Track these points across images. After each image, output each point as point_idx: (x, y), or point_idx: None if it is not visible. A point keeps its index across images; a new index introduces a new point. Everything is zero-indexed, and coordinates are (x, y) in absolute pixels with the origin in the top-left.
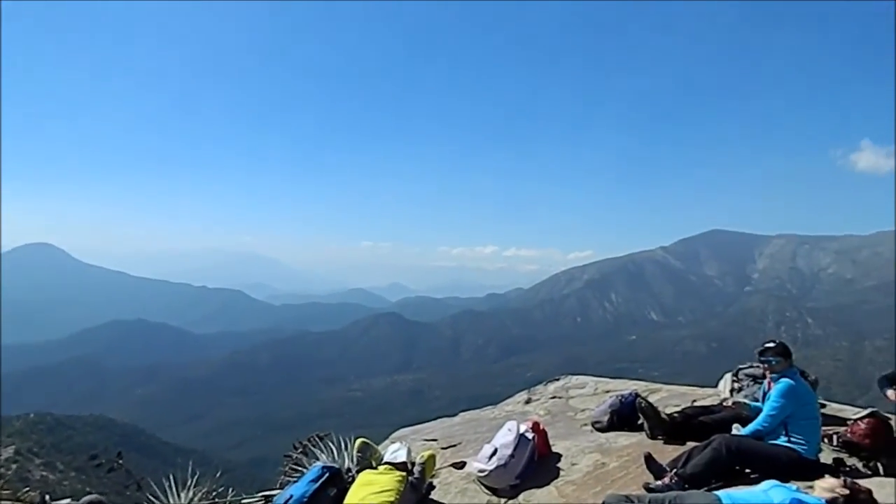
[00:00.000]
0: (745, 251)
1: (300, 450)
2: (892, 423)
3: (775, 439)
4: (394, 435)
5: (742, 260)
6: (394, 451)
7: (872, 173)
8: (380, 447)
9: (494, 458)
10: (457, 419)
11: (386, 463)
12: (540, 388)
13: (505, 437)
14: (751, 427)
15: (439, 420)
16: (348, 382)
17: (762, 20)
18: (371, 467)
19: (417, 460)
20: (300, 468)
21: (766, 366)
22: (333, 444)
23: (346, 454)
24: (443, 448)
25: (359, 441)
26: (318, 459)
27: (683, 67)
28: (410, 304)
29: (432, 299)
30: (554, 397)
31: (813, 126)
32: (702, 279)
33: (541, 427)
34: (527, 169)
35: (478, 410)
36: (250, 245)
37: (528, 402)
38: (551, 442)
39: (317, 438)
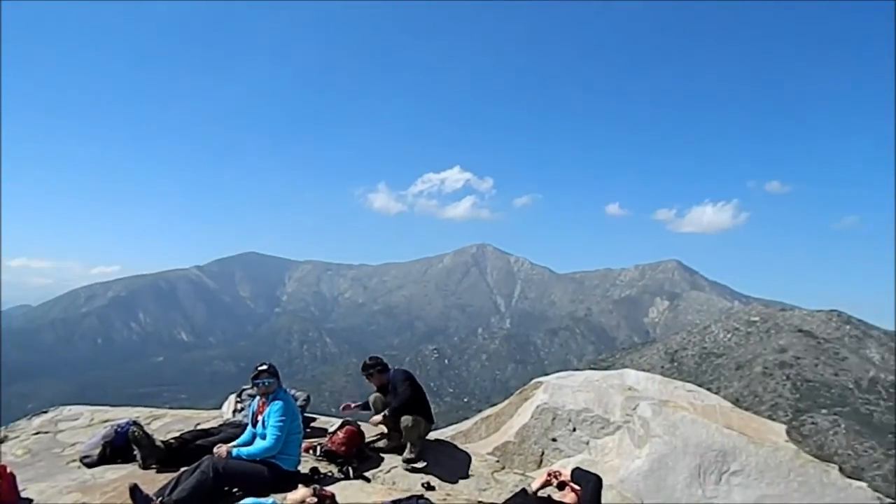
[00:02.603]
0: (277, 274)
1: None
2: (364, 429)
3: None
4: None
5: (273, 282)
6: None
7: (385, 212)
8: None
9: None
10: None
11: None
12: (22, 423)
13: None
14: (261, 447)
15: None
16: None
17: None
18: None
19: None
20: None
21: (259, 387)
22: None
23: None
24: None
25: None
26: None
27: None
28: None
29: None
30: (38, 433)
31: (340, 166)
32: (235, 300)
33: (8, 471)
34: (45, 162)
35: None
36: None
37: (2, 441)
38: (23, 486)
39: None
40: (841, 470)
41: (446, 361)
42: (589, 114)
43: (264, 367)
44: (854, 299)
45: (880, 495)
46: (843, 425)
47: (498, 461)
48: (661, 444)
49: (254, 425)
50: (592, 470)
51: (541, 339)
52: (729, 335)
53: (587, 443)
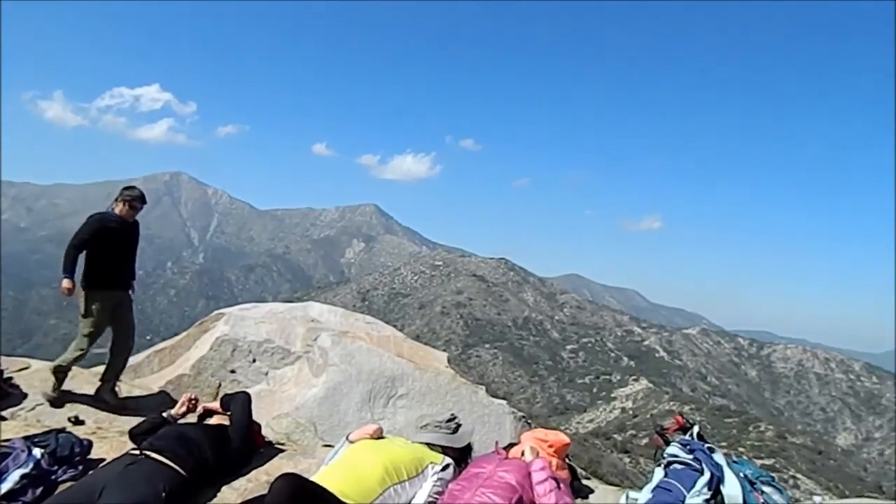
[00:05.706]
0: None
1: None
2: (5, 364)
3: None
4: None
5: None
6: None
7: (60, 124)
8: None
9: None
10: None
11: None
12: None
13: None
14: None
15: None
16: None
17: None
18: None
19: None
20: None
21: None
22: None
23: None
24: None
25: None
26: None
27: None
28: None
29: None
30: None
31: (5, 62)
32: None
33: None
34: None
35: None
36: None
37: None
38: None
39: None
40: (487, 390)
41: None
42: (305, 50)
43: None
44: (518, 248)
45: (514, 409)
46: (500, 357)
47: (169, 395)
48: (337, 373)
49: None
50: (269, 399)
51: (235, 275)
52: (416, 277)
53: (266, 373)
